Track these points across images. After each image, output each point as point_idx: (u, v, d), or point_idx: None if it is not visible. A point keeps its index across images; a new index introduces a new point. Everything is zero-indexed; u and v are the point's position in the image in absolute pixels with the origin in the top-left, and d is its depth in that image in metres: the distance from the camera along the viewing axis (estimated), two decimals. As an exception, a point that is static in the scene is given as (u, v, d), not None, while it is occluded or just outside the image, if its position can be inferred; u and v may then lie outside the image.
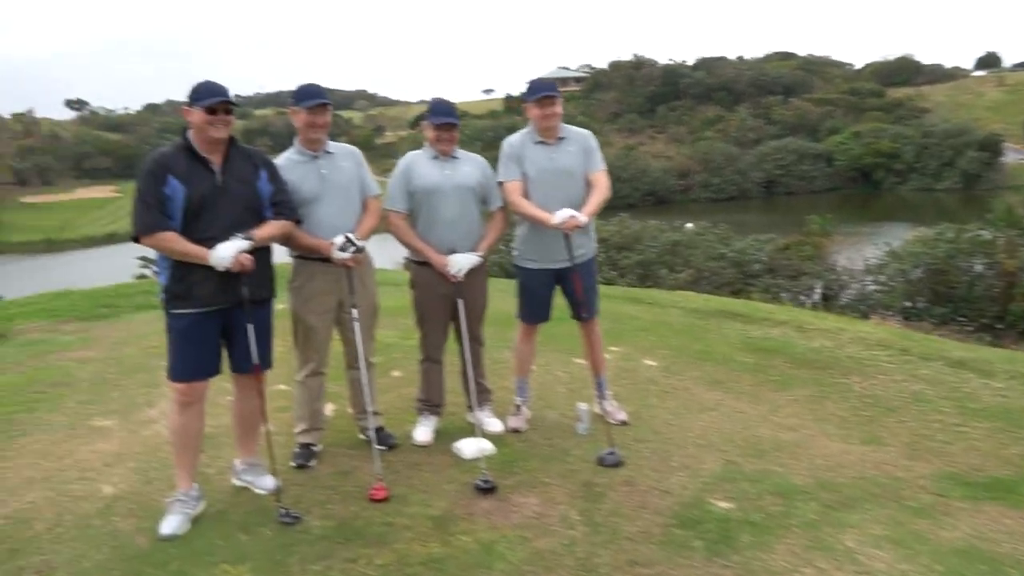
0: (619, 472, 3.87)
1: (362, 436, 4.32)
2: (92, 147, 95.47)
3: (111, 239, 58.01)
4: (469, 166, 4.27)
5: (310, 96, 3.86)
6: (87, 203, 74.83)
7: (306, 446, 4.11)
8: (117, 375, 6.00)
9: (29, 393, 5.58)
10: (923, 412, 4.60)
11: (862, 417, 4.54)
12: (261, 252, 3.52)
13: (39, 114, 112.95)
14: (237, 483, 3.83)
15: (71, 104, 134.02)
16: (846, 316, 8.84)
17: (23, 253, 63.77)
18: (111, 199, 76.25)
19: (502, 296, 6.50)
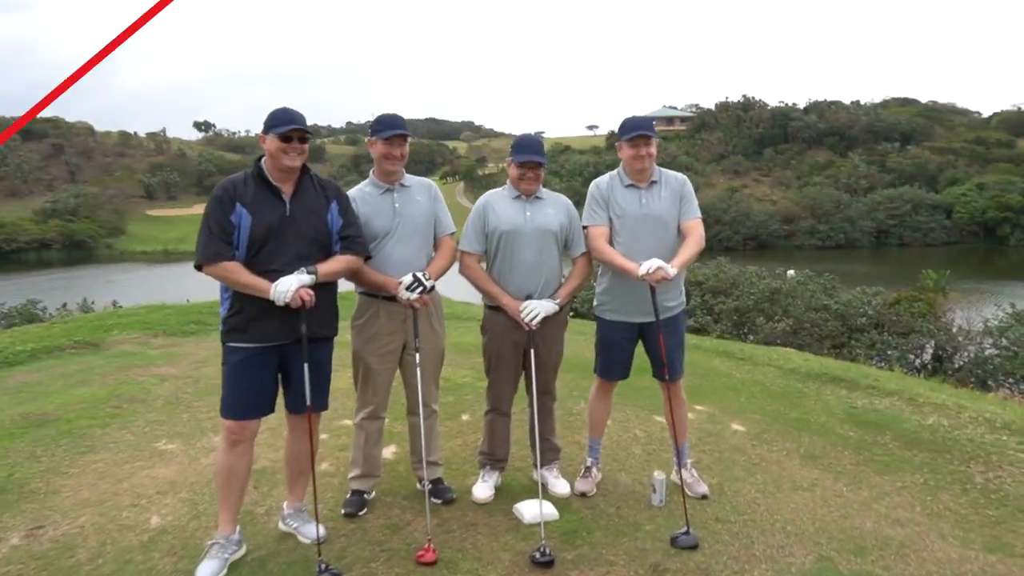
0: (693, 557, 3.45)
1: (420, 486, 4.07)
2: (213, 166, 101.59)
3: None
4: (552, 208, 4.00)
5: (387, 127, 3.70)
6: (204, 218, 78.92)
7: (358, 493, 3.89)
8: (191, 396, 6.02)
9: (107, 408, 5.65)
10: (1063, 518, 3.93)
11: (985, 517, 3.92)
12: (325, 288, 3.35)
13: (170, 134, 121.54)
14: (283, 528, 3.63)
15: (199, 126, 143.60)
16: (966, 389, 7.98)
17: (143, 262, 68.12)
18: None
19: (586, 341, 6.17)
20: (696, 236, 3.90)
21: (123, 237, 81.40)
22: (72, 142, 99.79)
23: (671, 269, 3.69)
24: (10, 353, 7.40)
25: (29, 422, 5.29)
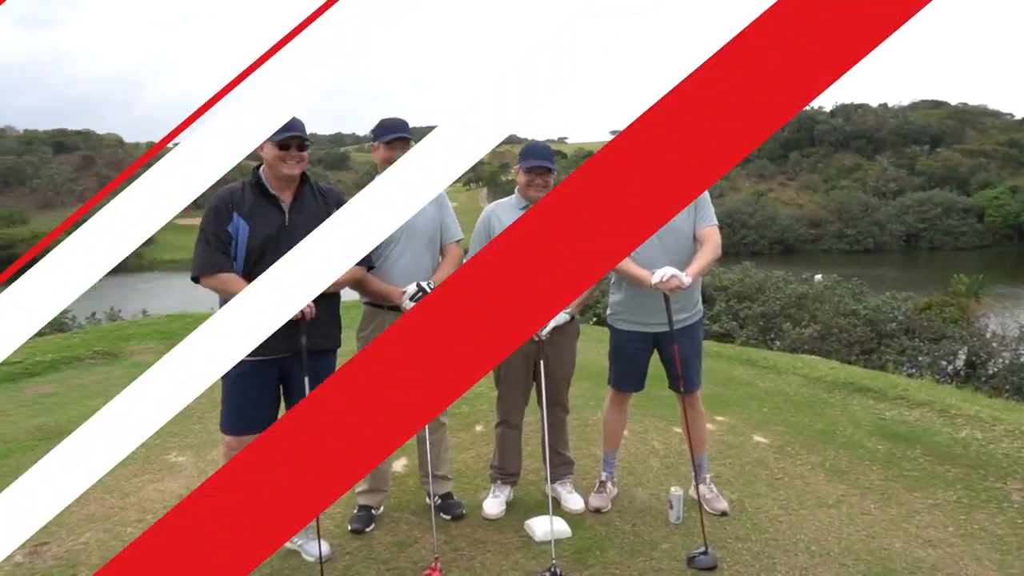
0: (712, 578, 3.30)
1: (429, 501, 3.96)
2: (237, 174, 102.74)
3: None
4: None
5: (389, 131, 3.61)
6: (231, 227, 79.97)
7: (365, 508, 3.79)
8: (205, 406, 5.91)
9: (120, 418, 5.62)
10: (1107, 539, 3.71)
11: (1024, 538, 3.72)
12: (326, 299, 3.25)
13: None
14: (287, 544, 3.54)
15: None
16: (1001, 400, 7.66)
17: (171, 271, 69.01)
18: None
19: (604, 348, 6.01)
20: (712, 244, 3.75)
21: (152, 246, 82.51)
22: (102, 154, 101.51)
23: (685, 278, 3.55)
24: (29, 364, 7.43)
25: (43, 434, 5.28)
